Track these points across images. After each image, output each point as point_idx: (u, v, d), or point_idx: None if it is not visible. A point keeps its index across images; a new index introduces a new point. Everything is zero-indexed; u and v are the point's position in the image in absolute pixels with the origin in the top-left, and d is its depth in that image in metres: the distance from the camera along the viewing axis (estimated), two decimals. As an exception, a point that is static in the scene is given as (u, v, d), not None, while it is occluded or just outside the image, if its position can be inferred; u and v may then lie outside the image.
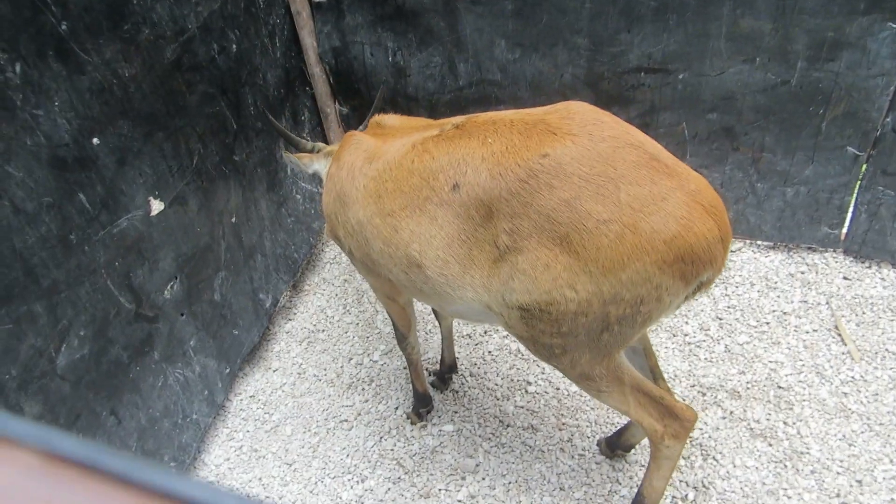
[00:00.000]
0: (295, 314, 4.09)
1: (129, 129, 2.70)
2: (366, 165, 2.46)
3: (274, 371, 3.74)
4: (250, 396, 3.60)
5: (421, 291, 2.39)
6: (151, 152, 2.83)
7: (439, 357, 3.47)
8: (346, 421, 3.39)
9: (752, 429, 3.05)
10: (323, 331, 3.94)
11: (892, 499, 2.71)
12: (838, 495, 2.75)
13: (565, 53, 3.42)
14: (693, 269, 1.82)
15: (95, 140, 2.54)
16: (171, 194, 2.97)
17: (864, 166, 3.37)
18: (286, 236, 4.06)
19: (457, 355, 3.53)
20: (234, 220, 3.48)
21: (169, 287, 3.00)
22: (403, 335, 3.04)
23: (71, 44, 2.40)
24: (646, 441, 2.84)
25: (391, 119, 2.70)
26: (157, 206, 2.88)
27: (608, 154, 1.82)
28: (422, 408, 3.27)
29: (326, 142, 4.47)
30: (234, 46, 3.39)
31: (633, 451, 2.97)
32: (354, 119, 4.22)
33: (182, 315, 3.11)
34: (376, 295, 2.97)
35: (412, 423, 3.30)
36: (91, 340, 2.58)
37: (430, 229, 2.14)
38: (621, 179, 1.79)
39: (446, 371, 3.42)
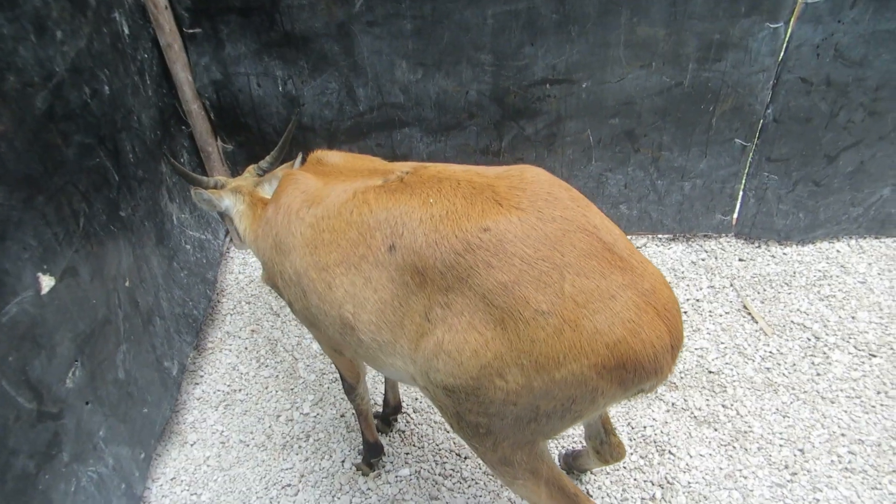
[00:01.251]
0: (203, 377, 3.68)
1: (6, 196, 2.26)
2: (304, 209, 2.24)
3: (192, 445, 3.33)
4: (171, 479, 3.17)
5: (356, 353, 2.22)
6: (34, 220, 2.39)
7: (381, 399, 3.27)
8: (289, 486, 3.09)
9: (696, 417, 3.17)
10: (239, 390, 3.58)
11: (832, 461, 2.93)
12: (787, 466, 2.92)
13: (469, 70, 3.37)
14: (635, 377, 1.66)
15: (-33, 214, 2.09)
16: (61, 266, 2.53)
17: (751, 155, 3.64)
18: (182, 293, 3.65)
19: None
20: (127, 283, 3.06)
21: (70, 374, 2.56)
22: (352, 386, 2.82)
23: (-74, 102, 1.96)
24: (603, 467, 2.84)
25: (333, 157, 2.47)
26: (47, 282, 2.44)
27: (556, 237, 1.67)
28: (372, 457, 3.05)
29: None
30: (107, 88, 2.98)
31: (588, 473, 2.96)
32: (241, 156, 3.89)
33: (87, 403, 2.66)
34: (322, 348, 2.73)
35: (364, 475, 3.07)
36: (-9, 457, 2.12)
37: (364, 291, 1.96)
38: (567, 268, 1.62)
39: (391, 413, 3.23)
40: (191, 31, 3.48)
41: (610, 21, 3.17)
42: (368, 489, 3.02)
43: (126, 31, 3.26)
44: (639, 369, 1.65)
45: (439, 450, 3.15)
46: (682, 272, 3.91)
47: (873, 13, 3.11)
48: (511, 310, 1.64)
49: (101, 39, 2.98)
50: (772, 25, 3.16)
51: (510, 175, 1.87)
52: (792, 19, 3.16)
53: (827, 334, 3.48)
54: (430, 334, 1.81)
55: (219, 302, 4.14)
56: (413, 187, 1.94)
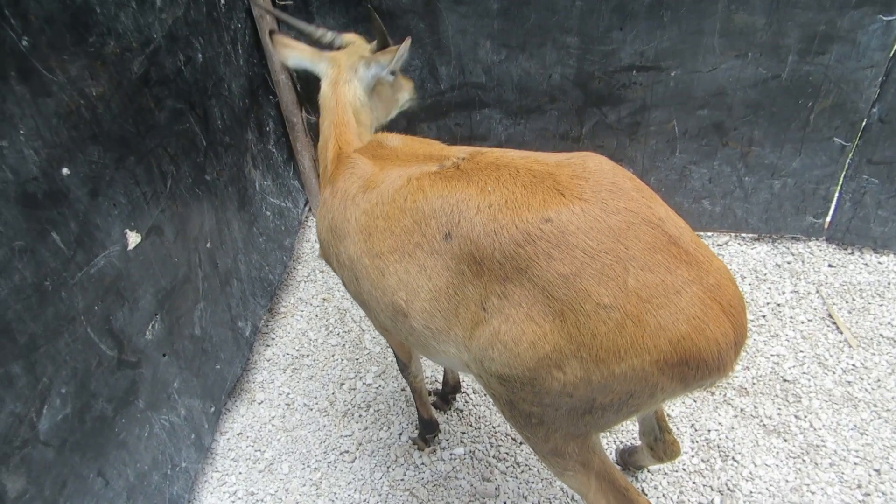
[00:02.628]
0: (274, 339, 3.82)
1: (100, 155, 2.40)
2: (359, 195, 2.24)
3: (259, 404, 3.48)
4: (238, 434, 3.33)
5: (407, 339, 2.23)
6: (124, 179, 2.53)
7: (441, 378, 3.31)
8: (347, 452, 3.18)
9: (765, 425, 3.04)
10: (307, 356, 3.70)
11: (912, 486, 2.75)
12: (859, 486, 2.77)
13: (554, 53, 3.30)
14: (697, 373, 1.62)
15: (65, 170, 2.23)
16: (147, 224, 2.67)
17: (850, 156, 3.42)
18: (259, 257, 3.79)
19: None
20: (208, 245, 3.20)
21: (150, 327, 2.71)
22: (405, 365, 2.86)
23: (34, 62, 2.09)
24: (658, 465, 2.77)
25: (393, 140, 2.46)
26: (133, 238, 2.58)
27: (621, 230, 1.62)
28: (428, 434, 3.10)
29: (293, 156, 4.21)
30: (200, 56, 3.10)
31: (644, 471, 2.90)
32: (323, 128, 3.97)
33: (164, 355, 2.82)
34: (374, 326, 2.77)
35: (419, 450, 3.12)
36: (73, 397, 2.28)
37: (418, 279, 1.96)
38: (631, 262, 1.58)
39: (449, 391, 3.26)
40: (283, 2, 3.56)
41: (705, 7, 3.03)
42: (423, 464, 3.07)
43: (222, 0, 3.38)
44: (702, 366, 1.60)
45: (495, 432, 3.16)
46: (765, 274, 3.73)
47: None
48: (572, 302, 1.60)
49: (197, 8, 3.10)
50: (885, 18, 2.93)
51: (572, 163, 1.81)
52: (909, 11, 2.92)
53: (919, 352, 3.25)
54: (485, 323, 1.79)
55: (294, 269, 4.27)
56: (469, 174, 1.91)
